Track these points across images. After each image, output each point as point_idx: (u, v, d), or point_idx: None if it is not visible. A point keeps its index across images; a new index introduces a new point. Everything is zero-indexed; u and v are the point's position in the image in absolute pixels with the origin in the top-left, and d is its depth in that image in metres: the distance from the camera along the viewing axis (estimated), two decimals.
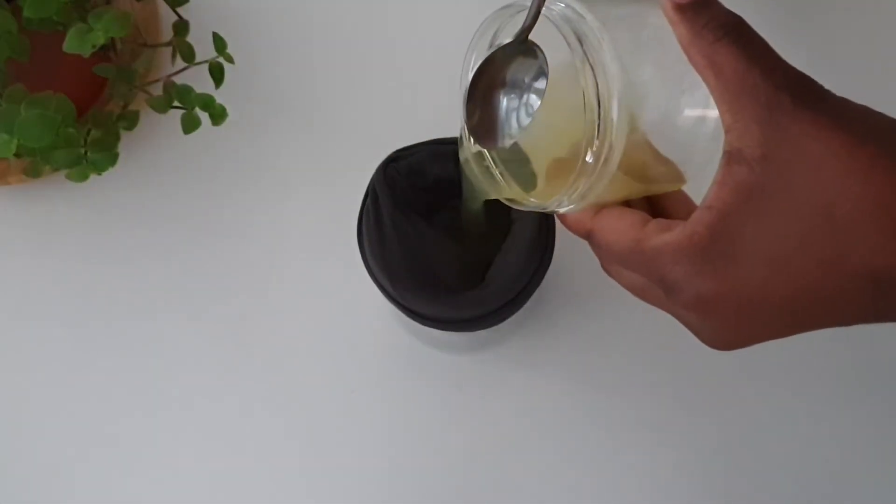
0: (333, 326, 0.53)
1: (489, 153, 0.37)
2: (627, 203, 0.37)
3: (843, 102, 0.32)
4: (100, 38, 0.45)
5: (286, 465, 0.51)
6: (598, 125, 0.31)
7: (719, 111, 0.31)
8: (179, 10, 0.52)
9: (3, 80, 0.46)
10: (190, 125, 0.50)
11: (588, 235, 0.36)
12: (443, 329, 0.44)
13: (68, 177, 0.48)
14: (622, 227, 0.35)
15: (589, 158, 0.32)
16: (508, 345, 0.53)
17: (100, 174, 0.49)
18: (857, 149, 0.30)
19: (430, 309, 0.43)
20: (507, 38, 0.33)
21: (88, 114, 0.52)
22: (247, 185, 0.56)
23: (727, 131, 0.31)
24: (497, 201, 0.38)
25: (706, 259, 0.32)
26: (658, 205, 0.38)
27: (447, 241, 0.44)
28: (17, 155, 0.46)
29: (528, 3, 0.32)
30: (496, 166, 0.37)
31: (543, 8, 0.32)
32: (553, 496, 0.51)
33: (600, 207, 0.36)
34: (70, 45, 0.45)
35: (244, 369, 0.53)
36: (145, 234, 0.55)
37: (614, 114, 0.31)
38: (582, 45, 0.31)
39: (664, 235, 0.33)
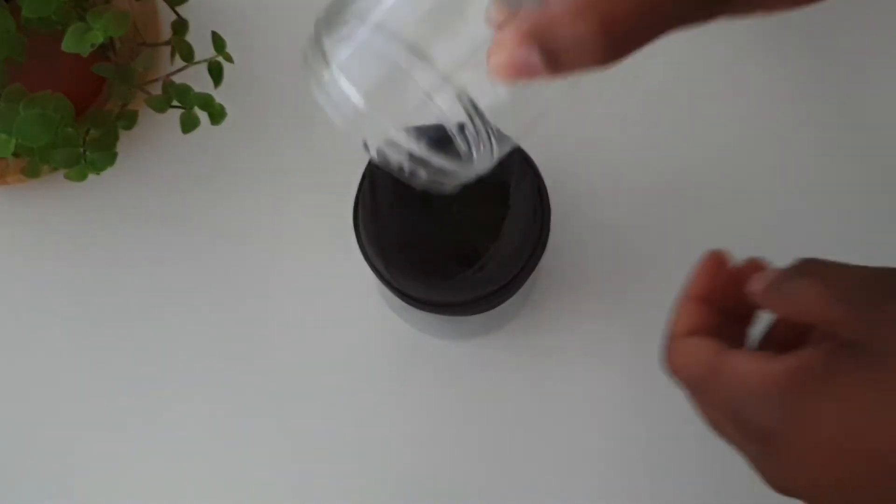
0: (332, 319, 0.53)
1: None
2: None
3: None
4: (98, 38, 0.45)
5: (287, 457, 0.51)
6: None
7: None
8: (178, 9, 0.52)
9: (2, 80, 0.46)
10: (189, 125, 0.50)
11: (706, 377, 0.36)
12: (437, 313, 0.44)
13: (67, 176, 0.48)
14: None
15: None
16: (503, 331, 0.53)
17: (98, 174, 0.49)
18: None
19: (424, 292, 0.43)
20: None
21: (87, 113, 0.52)
22: (246, 183, 0.56)
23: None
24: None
25: (775, 403, 0.32)
26: None
27: (443, 226, 0.44)
28: (15, 154, 0.46)
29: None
30: None
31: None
32: (547, 480, 0.51)
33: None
34: (68, 44, 0.45)
35: (244, 365, 0.53)
36: (144, 234, 0.55)
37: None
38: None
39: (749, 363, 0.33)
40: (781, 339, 0.37)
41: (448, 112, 0.29)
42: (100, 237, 0.55)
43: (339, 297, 0.53)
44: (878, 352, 0.30)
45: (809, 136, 0.56)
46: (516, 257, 0.43)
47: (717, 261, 0.38)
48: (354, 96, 0.30)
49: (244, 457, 0.52)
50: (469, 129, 0.30)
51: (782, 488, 0.33)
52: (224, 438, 0.52)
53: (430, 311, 0.44)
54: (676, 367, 0.36)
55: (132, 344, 0.53)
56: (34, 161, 0.50)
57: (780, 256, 0.36)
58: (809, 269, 0.34)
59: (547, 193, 0.44)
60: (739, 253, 0.37)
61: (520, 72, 0.27)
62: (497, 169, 0.43)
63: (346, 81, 0.30)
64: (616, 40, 0.26)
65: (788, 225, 0.54)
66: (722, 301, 0.37)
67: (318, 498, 0.51)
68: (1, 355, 0.54)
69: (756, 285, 0.35)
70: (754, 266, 0.37)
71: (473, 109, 0.30)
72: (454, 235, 0.44)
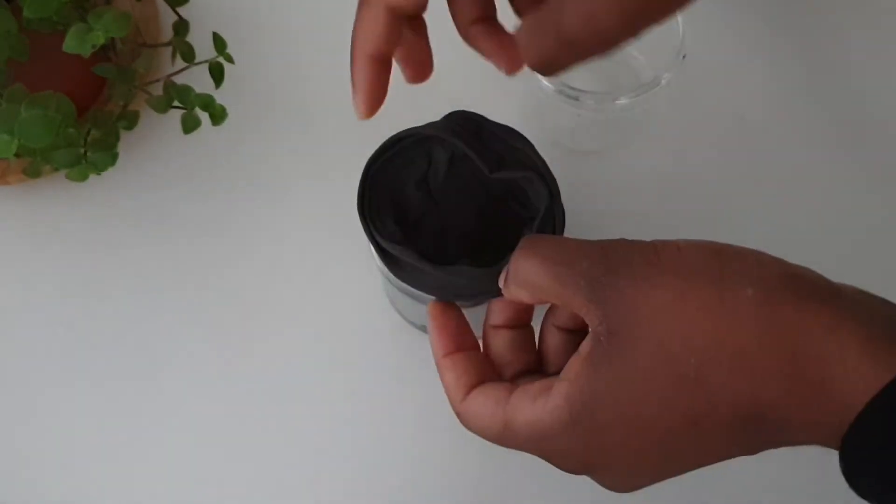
0: (332, 318, 0.53)
1: None
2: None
3: (657, 248, 0.32)
4: (100, 38, 0.45)
5: (287, 455, 0.51)
6: None
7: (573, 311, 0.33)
8: (179, 10, 0.52)
9: (3, 80, 0.46)
10: (190, 125, 0.50)
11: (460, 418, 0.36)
12: (441, 297, 0.43)
13: (68, 177, 0.48)
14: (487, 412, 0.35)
15: None
16: None
17: (99, 174, 0.49)
18: (684, 295, 0.31)
19: (430, 278, 0.42)
20: None
21: (88, 114, 0.52)
22: (246, 183, 0.56)
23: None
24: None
25: (572, 431, 0.32)
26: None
27: (448, 218, 0.43)
28: (17, 155, 0.46)
29: None
30: None
31: None
32: (547, 479, 0.51)
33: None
34: (70, 44, 0.45)
35: (245, 366, 0.53)
36: (145, 234, 0.55)
37: None
38: None
39: (527, 412, 0.33)
40: (573, 324, 0.37)
41: None
42: (100, 237, 0.55)
43: (341, 296, 0.53)
44: (622, 333, 0.31)
45: (811, 134, 0.56)
46: None
47: (438, 314, 0.38)
48: None
49: (243, 455, 0.52)
50: None
51: (627, 490, 0.34)
52: (224, 436, 0.52)
53: (435, 293, 0.43)
54: (475, 430, 0.36)
55: (133, 343, 0.53)
56: (36, 161, 0.50)
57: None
58: (525, 248, 0.34)
59: (560, 196, 0.43)
60: None
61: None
62: (510, 169, 0.43)
63: None
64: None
65: (791, 225, 0.54)
66: (466, 344, 0.37)
67: (317, 496, 0.51)
68: (1, 354, 0.54)
69: (501, 282, 0.36)
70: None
71: None
72: (460, 232, 0.44)
